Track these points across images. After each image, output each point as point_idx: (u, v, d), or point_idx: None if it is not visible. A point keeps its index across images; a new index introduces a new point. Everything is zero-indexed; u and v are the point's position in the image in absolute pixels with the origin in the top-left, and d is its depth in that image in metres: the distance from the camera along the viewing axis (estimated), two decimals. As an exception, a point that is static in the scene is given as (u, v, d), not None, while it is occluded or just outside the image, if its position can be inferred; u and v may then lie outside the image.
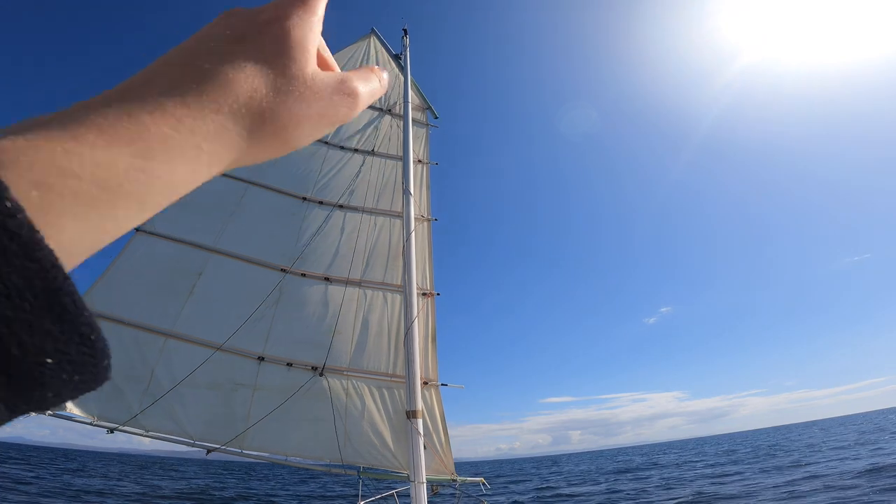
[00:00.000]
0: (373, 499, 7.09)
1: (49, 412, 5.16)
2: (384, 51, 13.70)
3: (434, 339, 8.14)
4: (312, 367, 7.51)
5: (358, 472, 7.16)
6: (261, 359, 7.49)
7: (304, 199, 9.29)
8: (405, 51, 13.46)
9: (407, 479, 6.55)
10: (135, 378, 7.05)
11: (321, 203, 9.30)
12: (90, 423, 6.73)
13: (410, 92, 11.28)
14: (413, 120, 10.61)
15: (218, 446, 7.01)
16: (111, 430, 6.87)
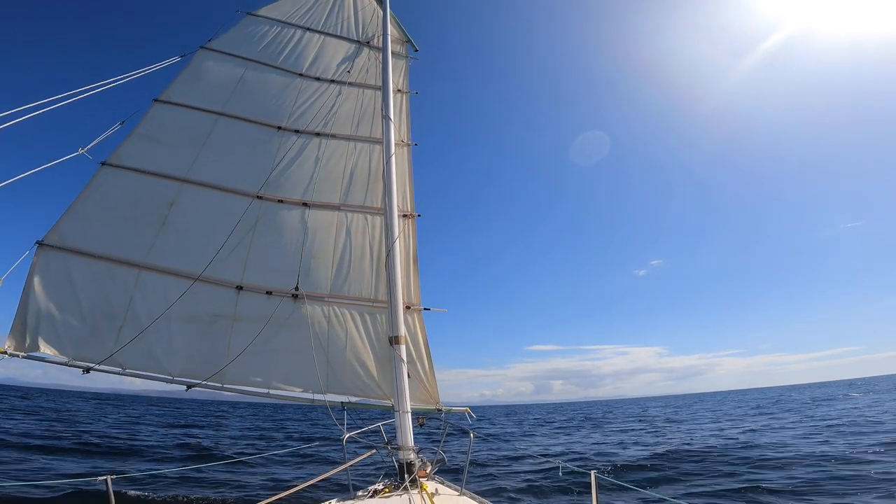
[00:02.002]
0: (358, 431, 7.14)
1: (22, 354, 5.08)
2: (361, -16, 13.38)
3: (416, 262, 8.09)
4: (293, 295, 7.44)
5: (343, 403, 7.18)
6: (239, 288, 7.42)
7: (279, 128, 9.11)
8: (384, -15, 13.23)
9: (392, 410, 6.57)
10: (110, 314, 6.96)
11: (297, 132, 9.11)
12: (65, 364, 6.61)
13: (389, 25, 11.09)
14: (392, 52, 10.42)
15: (198, 381, 6.99)
16: (86, 370, 6.79)
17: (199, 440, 20.94)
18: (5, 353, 6.44)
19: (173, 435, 23.10)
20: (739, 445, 16.83)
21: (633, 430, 28.12)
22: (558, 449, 19.66)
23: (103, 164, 7.88)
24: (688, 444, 18.39)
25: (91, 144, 7.79)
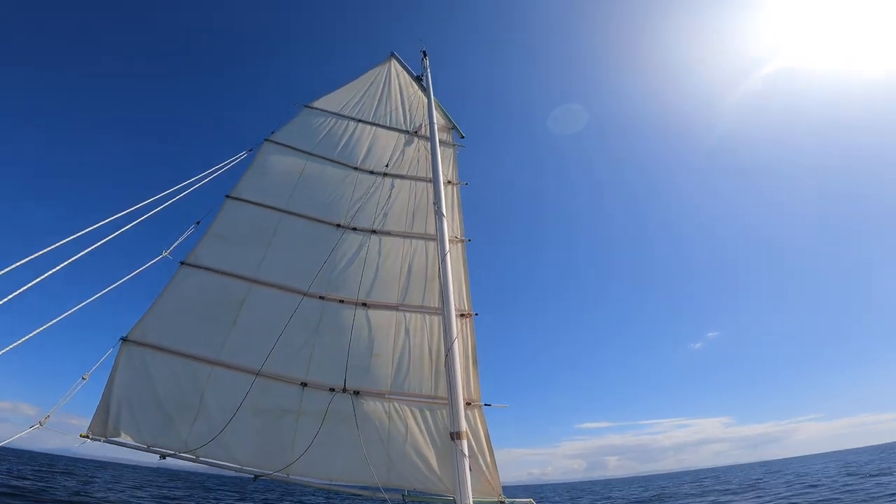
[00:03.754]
0: None
1: (103, 439, 5.98)
2: (405, 73, 14.67)
3: (475, 360, 8.59)
4: (354, 392, 8.04)
5: (403, 495, 7.54)
6: (303, 384, 8.09)
7: (338, 225, 10.03)
8: (426, 72, 14.42)
9: (453, 502, 6.93)
10: (185, 406, 7.71)
11: (355, 229, 10.00)
12: (144, 449, 7.33)
13: (435, 112, 12.14)
14: (439, 141, 11.40)
15: (265, 472, 7.60)
16: (163, 457, 7.45)
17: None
18: (87, 437, 7.22)
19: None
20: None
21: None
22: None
23: (182, 263, 8.92)
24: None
25: (172, 247, 8.89)
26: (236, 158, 10.42)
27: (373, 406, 8.04)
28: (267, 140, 11.23)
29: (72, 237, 7.20)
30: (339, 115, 12.48)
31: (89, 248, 7.35)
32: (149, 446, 7.35)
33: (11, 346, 6.65)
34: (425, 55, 15.26)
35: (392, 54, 15.04)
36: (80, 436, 7.22)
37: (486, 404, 8.26)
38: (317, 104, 12.59)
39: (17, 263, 6.53)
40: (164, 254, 8.70)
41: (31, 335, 6.91)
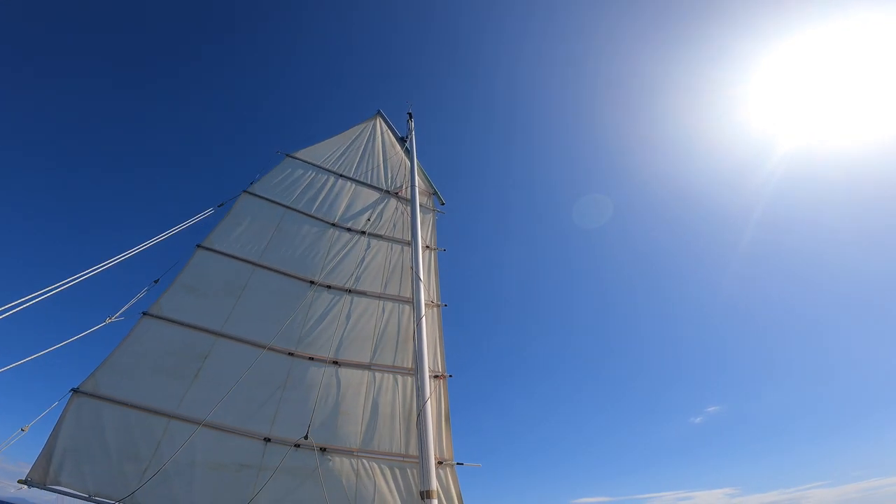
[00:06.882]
0: None
1: (43, 486, 6.45)
2: (390, 133, 15.51)
3: (448, 419, 8.94)
4: (321, 448, 8.26)
5: None
6: (267, 440, 8.29)
7: (312, 282, 10.50)
8: (410, 134, 15.32)
9: None
10: (136, 458, 7.81)
11: (329, 287, 10.49)
12: (85, 499, 7.36)
13: (417, 177, 13.10)
14: (419, 205, 12.24)
15: (220, 529, 7.57)
16: None
17: None
18: (26, 483, 7.35)
19: None
20: None
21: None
22: None
23: (144, 314, 9.17)
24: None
25: (120, 312, 9.21)
26: (203, 215, 10.91)
27: (340, 463, 8.27)
28: (245, 192, 11.76)
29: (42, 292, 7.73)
30: (320, 167, 13.14)
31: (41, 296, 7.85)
32: (91, 495, 7.42)
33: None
34: (411, 117, 16.18)
35: (378, 112, 15.96)
36: (19, 482, 7.36)
37: (458, 463, 8.56)
38: (299, 155, 13.27)
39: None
40: (108, 321, 8.99)
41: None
